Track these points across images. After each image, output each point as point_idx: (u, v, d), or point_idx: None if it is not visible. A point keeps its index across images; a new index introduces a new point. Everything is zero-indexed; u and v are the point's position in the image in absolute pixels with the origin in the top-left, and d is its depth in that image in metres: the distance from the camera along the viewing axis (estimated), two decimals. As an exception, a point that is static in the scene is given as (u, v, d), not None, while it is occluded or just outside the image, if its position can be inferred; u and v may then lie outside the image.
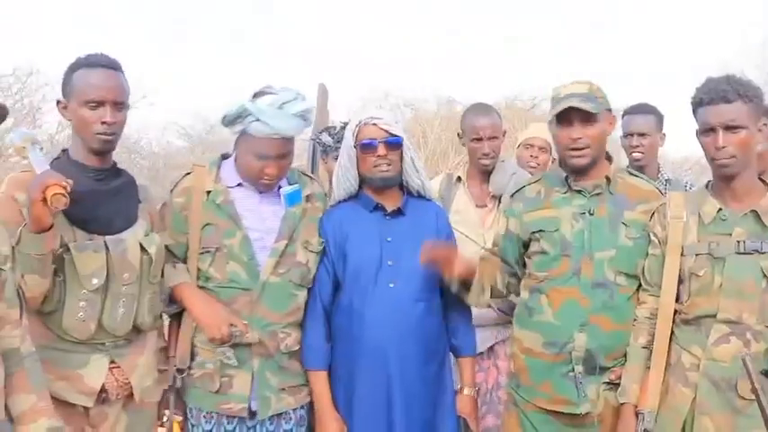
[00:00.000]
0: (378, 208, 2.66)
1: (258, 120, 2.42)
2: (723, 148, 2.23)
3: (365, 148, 2.59)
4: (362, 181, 2.66)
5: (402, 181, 2.67)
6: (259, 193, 2.59)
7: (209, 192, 2.55)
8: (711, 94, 2.25)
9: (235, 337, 2.43)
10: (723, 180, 2.32)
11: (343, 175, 2.68)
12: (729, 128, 2.22)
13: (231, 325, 2.41)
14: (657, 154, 3.68)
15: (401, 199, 2.68)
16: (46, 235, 2.10)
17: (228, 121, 2.49)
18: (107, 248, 2.27)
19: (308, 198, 2.65)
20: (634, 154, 3.60)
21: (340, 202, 2.71)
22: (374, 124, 2.59)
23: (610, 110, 2.55)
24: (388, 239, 2.63)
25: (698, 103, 2.30)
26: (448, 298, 2.71)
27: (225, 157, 2.66)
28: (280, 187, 2.59)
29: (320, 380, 2.61)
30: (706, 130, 2.28)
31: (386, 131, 2.58)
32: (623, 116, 3.68)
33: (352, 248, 2.62)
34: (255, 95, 2.47)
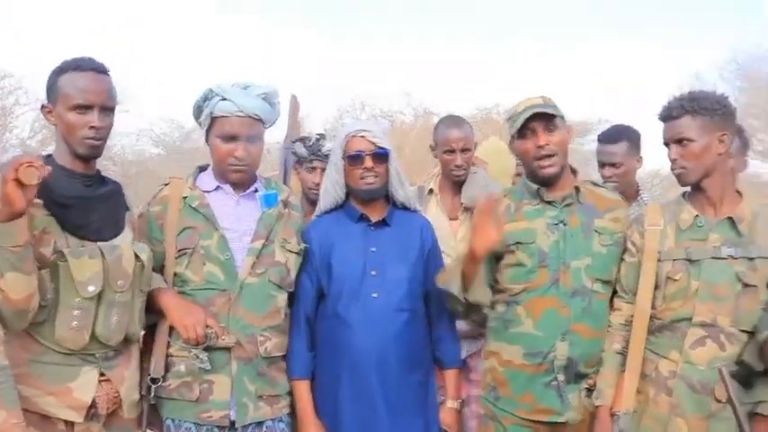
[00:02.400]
0: (363, 218, 2.69)
1: (224, 98, 2.52)
2: (674, 160, 2.42)
3: (353, 159, 2.63)
4: (349, 192, 2.70)
5: (388, 192, 2.71)
6: (236, 196, 2.62)
7: (185, 198, 2.58)
8: (664, 112, 2.44)
9: (210, 339, 2.42)
10: (693, 189, 2.46)
11: (330, 185, 2.71)
12: (678, 141, 2.40)
13: (207, 326, 2.41)
14: (634, 178, 3.66)
15: (386, 210, 2.72)
16: (19, 223, 2.01)
17: (197, 107, 2.59)
18: (102, 254, 2.24)
19: (284, 204, 2.68)
20: (608, 183, 3.59)
21: (326, 212, 2.74)
22: (362, 136, 2.64)
23: (563, 119, 2.62)
24: (372, 250, 2.66)
25: (659, 120, 2.48)
26: (432, 309, 2.72)
27: (203, 168, 2.71)
28: (256, 190, 2.64)
29: (303, 388, 2.62)
30: (664, 144, 2.47)
31: (373, 144, 2.63)
32: (598, 141, 3.67)
33: (336, 258, 2.65)
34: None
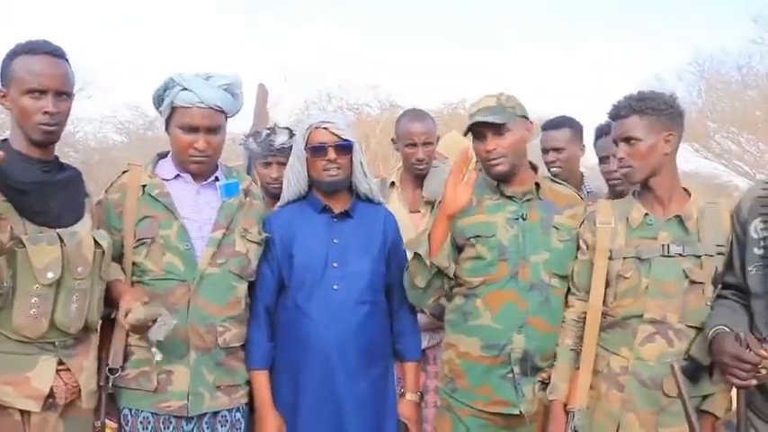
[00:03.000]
0: (325, 210, 2.69)
1: (185, 89, 2.48)
2: (621, 158, 2.46)
3: (315, 151, 2.63)
4: (312, 183, 2.70)
5: (351, 184, 2.72)
6: (196, 185, 2.59)
7: (144, 186, 2.54)
8: (613, 111, 2.48)
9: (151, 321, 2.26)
10: (642, 187, 2.51)
11: (293, 176, 2.71)
12: (626, 140, 2.44)
13: (145, 304, 2.32)
14: (577, 165, 3.77)
15: (349, 202, 2.72)
16: None
17: (157, 96, 2.55)
18: (61, 241, 2.19)
19: (245, 193, 2.66)
20: (552, 169, 3.68)
21: (289, 202, 2.74)
22: (325, 128, 2.63)
23: (525, 117, 2.64)
24: (335, 241, 2.66)
25: (609, 119, 2.53)
26: (394, 302, 2.74)
27: (162, 156, 2.67)
28: (217, 179, 2.62)
29: (261, 378, 2.61)
30: (613, 143, 2.52)
31: (337, 135, 2.62)
32: (542, 129, 3.76)
33: (298, 249, 2.65)
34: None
